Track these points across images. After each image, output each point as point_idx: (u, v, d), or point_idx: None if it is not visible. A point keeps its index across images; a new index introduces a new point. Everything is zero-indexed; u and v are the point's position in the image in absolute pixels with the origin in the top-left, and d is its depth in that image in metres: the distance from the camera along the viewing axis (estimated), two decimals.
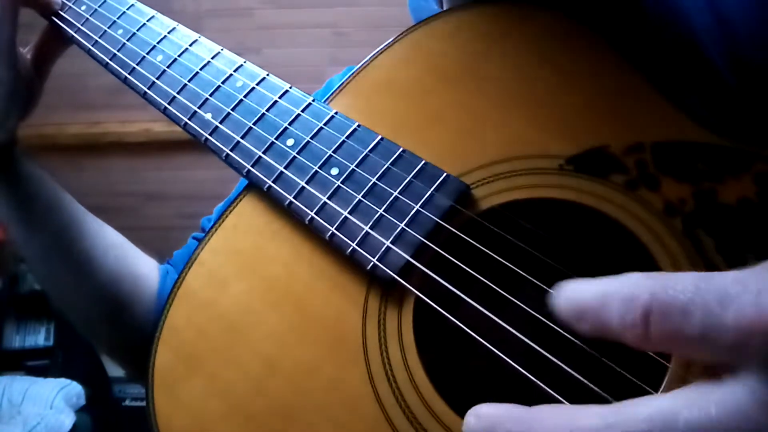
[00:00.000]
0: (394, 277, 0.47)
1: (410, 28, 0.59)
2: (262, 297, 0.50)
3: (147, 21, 0.68)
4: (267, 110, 0.57)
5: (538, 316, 0.43)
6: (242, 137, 0.57)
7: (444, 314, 0.45)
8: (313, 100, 0.57)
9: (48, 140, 2.62)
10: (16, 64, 0.69)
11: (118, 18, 0.69)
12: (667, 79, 0.50)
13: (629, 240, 0.45)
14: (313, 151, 0.54)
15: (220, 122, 0.58)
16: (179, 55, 0.63)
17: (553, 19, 0.54)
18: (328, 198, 0.52)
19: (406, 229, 0.49)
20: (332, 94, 0.58)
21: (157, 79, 0.63)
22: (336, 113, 0.55)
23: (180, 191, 2.81)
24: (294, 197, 0.52)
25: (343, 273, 0.50)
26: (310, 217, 0.51)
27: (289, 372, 0.47)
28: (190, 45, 0.64)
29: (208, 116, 0.59)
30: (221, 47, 0.63)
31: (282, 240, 0.53)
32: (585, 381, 0.39)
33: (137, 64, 0.65)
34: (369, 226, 0.50)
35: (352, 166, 0.52)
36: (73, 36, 0.71)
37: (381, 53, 0.58)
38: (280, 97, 0.57)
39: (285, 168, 0.54)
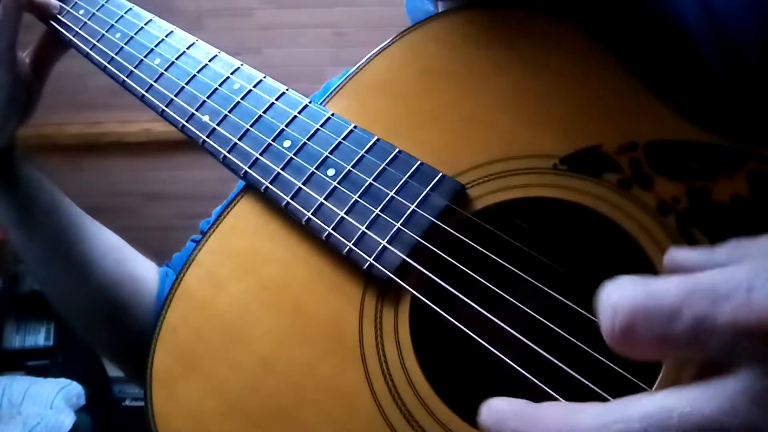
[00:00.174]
0: (390, 277, 0.48)
1: (405, 30, 0.59)
2: (259, 297, 0.51)
3: (144, 24, 0.68)
4: (264, 112, 0.57)
5: (533, 314, 0.44)
6: (239, 139, 0.57)
7: (440, 313, 0.45)
8: (310, 102, 0.57)
9: (48, 140, 2.61)
10: (15, 69, 0.69)
11: (116, 22, 0.69)
12: (659, 75, 0.50)
13: (623, 239, 0.45)
14: (309, 152, 0.54)
15: (218, 124, 0.58)
16: (176, 58, 0.64)
17: (545, 20, 0.55)
18: (324, 199, 0.52)
19: (402, 228, 0.49)
20: (329, 95, 0.58)
21: (155, 82, 0.63)
22: (332, 115, 0.55)
23: (180, 191, 2.81)
24: (291, 198, 0.53)
25: (340, 273, 0.50)
26: (306, 217, 0.52)
27: (286, 371, 0.47)
28: (188, 48, 0.64)
29: (206, 119, 0.59)
30: (218, 50, 0.63)
31: (279, 240, 0.53)
32: (581, 379, 0.40)
33: (135, 68, 0.65)
34: (365, 226, 0.50)
35: (349, 167, 0.53)
36: (71, 40, 0.71)
37: (377, 55, 0.59)
38: (276, 99, 0.58)
39: (282, 169, 0.54)
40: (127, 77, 0.65)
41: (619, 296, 0.28)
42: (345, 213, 0.51)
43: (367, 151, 0.53)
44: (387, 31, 0.59)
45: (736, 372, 0.27)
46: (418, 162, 0.51)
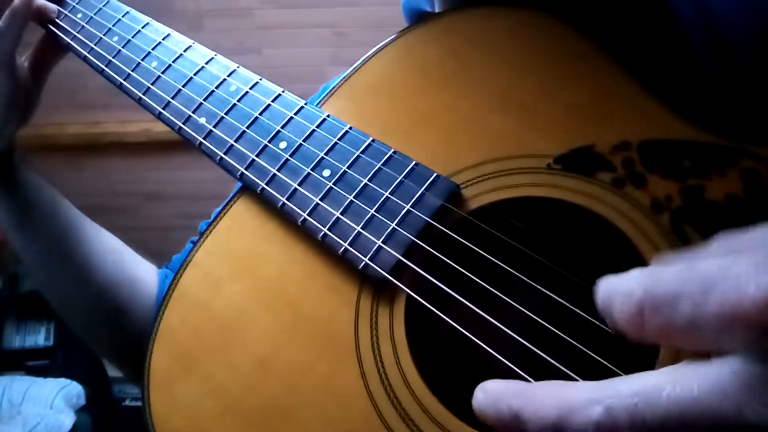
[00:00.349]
0: (385, 277, 0.48)
1: (401, 31, 0.59)
2: (255, 298, 0.51)
3: (142, 28, 0.68)
4: (260, 114, 0.58)
5: (528, 313, 0.44)
6: (236, 141, 0.57)
7: (436, 312, 0.46)
8: (306, 104, 0.57)
9: (48, 140, 2.61)
10: (14, 73, 0.69)
11: (113, 25, 0.70)
12: (653, 72, 0.50)
13: (617, 237, 0.45)
14: (305, 153, 0.55)
15: (214, 126, 0.59)
16: (173, 61, 0.64)
17: (539, 20, 0.55)
18: (320, 199, 0.52)
19: (397, 228, 0.49)
20: (324, 97, 0.59)
21: (152, 84, 0.64)
22: (328, 116, 0.56)
23: (180, 191, 2.81)
24: (287, 199, 0.53)
25: (336, 273, 0.51)
26: (302, 218, 0.52)
27: (282, 371, 0.48)
28: (185, 51, 0.65)
29: (202, 120, 0.59)
30: (215, 53, 0.64)
31: (275, 241, 0.53)
32: (577, 378, 0.40)
33: (132, 71, 0.66)
34: (360, 226, 0.50)
35: (344, 168, 0.53)
36: (69, 43, 0.72)
37: (373, 56, 0.59)
38: (273, 101, 0.58)
39: (278, 170, 0.54)
40: (124, 80, 0.66)
41: (635, 281, 0.29)
42: (340, 213, 0.51)
43: (362, 152, 0.53)
44: (387, 31, 0.59)
45: (727, 358, 0.27)
46: (413, 162, 0.51)
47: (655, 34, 0.53)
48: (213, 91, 0.61)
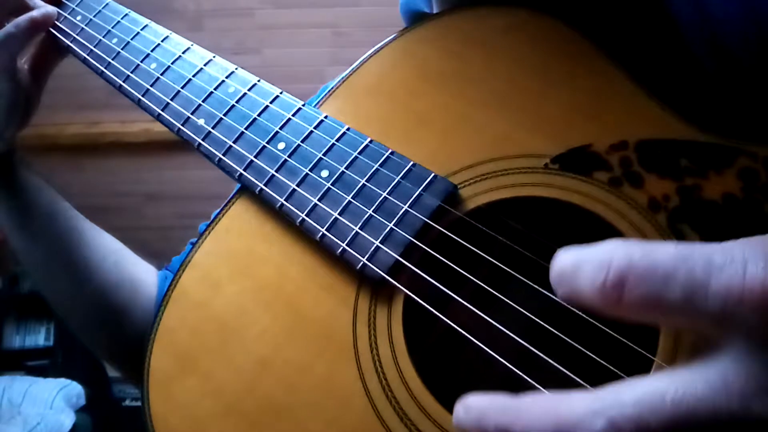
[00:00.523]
0: (383, 276, 0.48)
1: (399, 32, 0.59)
2: (254, 298, 0.51)
3: (141, 30, 0.69)
4: (258, 115, 0.58)
5: (526, 313, 0.44)
6: (234, 142, 0.57)
7: (433, 312, 0.46)
8: (304, 105, 0.57)
9: (48, 140, 2.61)
10: (15, 77, 0.70)
11: (112, 27, 0.70)
12: (650, 73, 0.50)
13: (614, 236, 0.45)
14: (303, 154, 0.55)
15: (213, 127, 0.59)
16: (172, 63, 0.64)
17: (536, 20, 0.55)
18: (318, 200, 0.52)
19: (395, 228, 0.49)
20: (322, 98, 0.59)
21: (151, 86, 0.64)
22: (326, 117, 0.56)
23: (180, 191, 2.81)
24: (285, 199, 0.53)
25: (334, 273, 0.51)
26: (301, 218, 0.52)
27: (281, 371, 0.48)
28: (183, 52, 0.65)
29: (201, 122, 0.60)
30: (213, 54, 0.64)
31: (274, 242, 0.54)
32: (574, 377, 0.40)
33: (131, 72, 0.66)
34: (358, 226, 0.50)
35: (342, 168, 0.53)
36: (69, 45, 0.72)
37: (371, 57, 0.59)
38: (271, 102, 0.58)
39: (276, 171, 0.55)
40: (123, 82, 0.66)
41: (615, 251, 0.28)
42: (338, 214, 0.51)
43: (360, 153, 0.53)
44: (386, 31, 0.59)
45: (727, 348, 0.27)
46: (411, 163, 0.51)
47: (652, 33, 0.53)
48: (211, 92, 0.61)
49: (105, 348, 0.81)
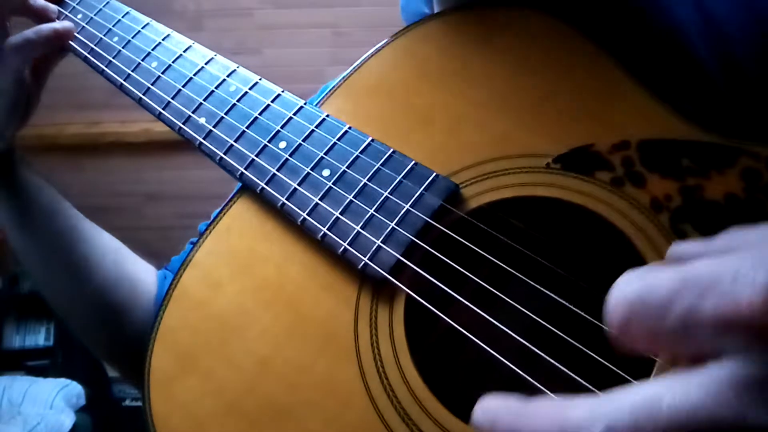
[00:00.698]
0: (385, 276, 0.48)
1: (399, 31, 0.59)
2: (255, 297, 0.51)
3: (142, 28, 0.68)
4: (260, 114, 0.58)
5: (528, 313, 0.44)
6: (235, 141, 0.57)
7: (435, 312, 0.46)
8: (305, 104, 0.57)
9: (48, 140, 2.61)
10: (17, 75, 0.69)
11: (113, 26, 0.70)
12: (652, 74, 0.50)
13: (616, 237, 0.45)
14: (304, 153, 0.55)
15: (214, 126, 0.59)
16: (173, 62, 0.64)
17: (538, 20, 0.55)
18: (319, 199, 0.52)
19: (397, 228, 0.49)
20: (323, 97, 0.59)
21: (152, 85, 0.64)
22: (327, 116, 0.56)
23: (180, 191, 2.81)
24: (286, 199, 0.53)
25: (335, 272, 0.51)
26: (302, 218, 0.52)
27: (282, 370, 0.48)
28: (184, 51, 0.65)
29: (202, 121, 0.60)
30: (215, 53, 0.64)
31: (275, 241, 0.53)
32: (575, 377, 0.40)
33: (132, 71, 0.66)
34: (360, 226, 0.50)
35: (343, 168, 0.53)
36: (69, 44, 0.72)
37: (372, 57, 0.59)
38: (272, 101, 0.58)
39: (277, 170, 0.55)
40: (124, 80, 0.66)
41: (620, 290, 0.29)
42: (340, 213, 0.51)
43: (361, 152, 0.53)
44: (386, 31, 0.59)
45: (725, 359, 0.27)
46: (412, 162, 0.51)
47: (652, 39, 0.53)
48: (213, 91, 0.61)
49: (104, 348, 0.81)
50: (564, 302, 0.44)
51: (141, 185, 2.86)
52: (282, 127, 0.56)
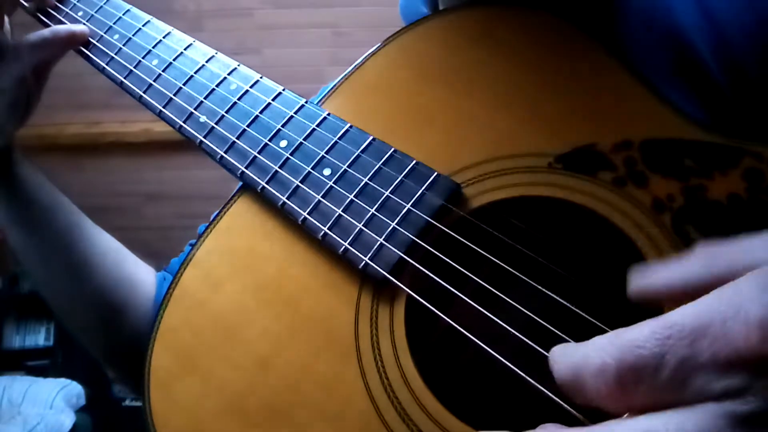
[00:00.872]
0: (385, 276, 0.48)
1: (400, 30, 0.59)
2: (256, 296, 0.51)
3: (142, 26, 0.68)
4: (260, 112, 0.58)
5: (528, 313, 0.44)
6: (237, 139, 0.57)
7: (435, 312, 0.46)
8: (306, 102, 0.57)
9: (48, 140, 2.62)
10: (18, 73, 0.69)
11: (114, 23, 0.70)
12: (654, 75, 0.50)
13: (618, 237, 0.45)
14: (306, 151, 0.55)
15: (215, 124, 0.59)
16: (174, 59, 0.64)
17: (540, 19, 0.55)
18: (320, 198, 0.52)
19: (398, 228, 0.49)
20: (325, 95, 0.59)
21: (153, 82, 0.64)
22: (328, 114, 0.56)
23: (180, 191, 2.81)
24: (287, 198, 0.53)
25: (336, 272, 0.51)
26: (303, 217, 0.52)
27: (283, 370, 0.48)
28: (185, 49, 0.65)
29: (203, 119, 0.59)
30: (216, 51, 0.64)
31: (275, 240, 0.53)
32: None
33: (133, 69, 0.66)
34: (361, 225, 0.50)
35: (345, 167, 0.53)
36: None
37: (373, 55, 0.59)
38: (273, 99, 0.58)
39: (278, 169, 0.54)
40: (125, 78, 0.66)
41: (598, 356, 0.29)
42: (341, 212, 0.51)
43: (362, 151, 0.53)
44: (387, 31, 0.59)
45: (720, 396, 0.27)
46: (414, 161, 0.51)
47: (651, 37, 0.53)
48: (213, 89, 0.60)
49: (101, 348, 0.80)
50: (565, 303, 0.43)
51: (141, 185, 2.86)
52: (283, 126, 0.56)
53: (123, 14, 0.70)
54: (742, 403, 0.26)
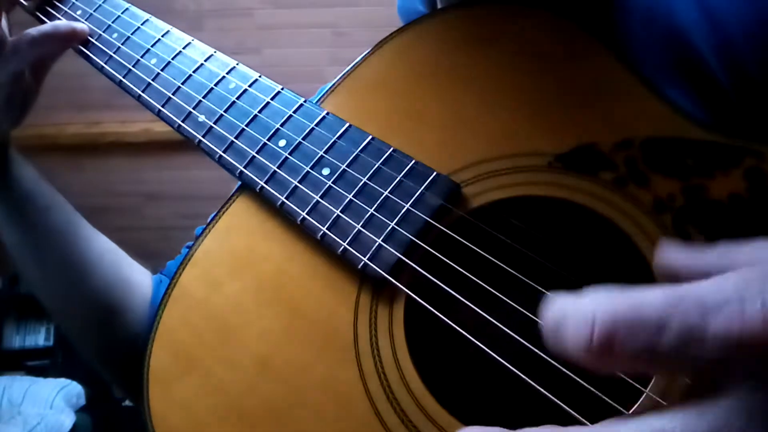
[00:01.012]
0: (385, 276, 0.48)
1: (399, 29, 0.59)
2: (254, 296, 0.51)
3: (141, 24, 0.68)
4: (259, 112, 0.57)
5: (528, 314, 0.43)
6: (235, 138, 0.57)
7: (435, 313, 0.45)
8: (305, 101, 0.57)
9: (48, 140, 2.62)
10: (15, 70, 0.69)
11: (113, 22, 0.70)
12: (655, 73, 0.50)
13: (618, 236, 0.45)
14: (304, 151, 0.54)
15: (214, 124, 0.58)
16: (173, 58, 0.64)
17: (539, 17, 0.55)
18: (319, 198, 0.52)
19: (397, 228, 0.49)
20: (324, 95, 0.59)
21: (152, 81, 0.63)
22: (327, 114, 0.55)
23: (180, 191, 2.81)
24: (286, 197, 0.53)
25: (335, 272, 0.50)
26: (301, 217, 0.52)
27: (281, 371, 0.48)
28: (184, 48, 0.64)
29: (202, 118, 0.59)
30: (214, 50, 0.63)
31: (274, 240, 0.53)
32: (576, 377, 0.40)
33: (132, 67, 0.65)
34: (360, 225, 0.50)
35: (344, 166, 0.53)
36: None
37: (371, 54, 0.59)
38: (272, 99, 0.58)
39: (277, 168, 0.54)
40: (124, 77, 0.65)
41: (597, 305, 0.27)
42: (340, 212, 0.51)
43: (361, 150, 0.53)
44: (386, 31, 0.59)
45: (729, 387, 0.26)
46: (413, 161, 0.51)
47: (651, 36, 0.53)
48: (212, 88, 0.60)
49: (95, 350, 0.79)
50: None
51: (141, 185, 2.87)
52: (282, 125, 0.56)
53: (122, 13, 0.70)
54: (753, 394, 0.25)
